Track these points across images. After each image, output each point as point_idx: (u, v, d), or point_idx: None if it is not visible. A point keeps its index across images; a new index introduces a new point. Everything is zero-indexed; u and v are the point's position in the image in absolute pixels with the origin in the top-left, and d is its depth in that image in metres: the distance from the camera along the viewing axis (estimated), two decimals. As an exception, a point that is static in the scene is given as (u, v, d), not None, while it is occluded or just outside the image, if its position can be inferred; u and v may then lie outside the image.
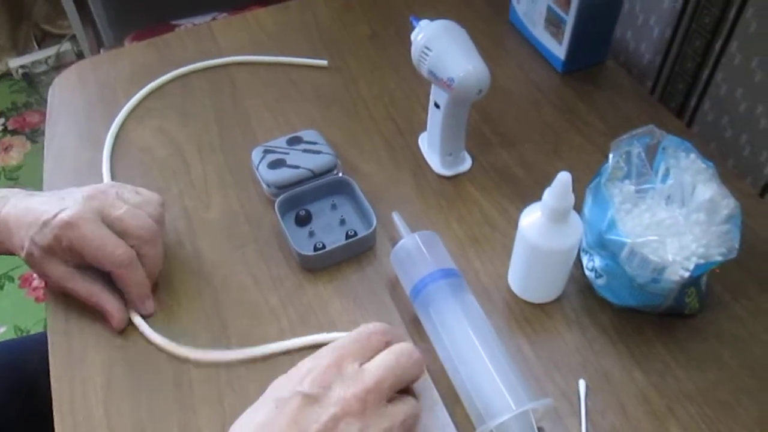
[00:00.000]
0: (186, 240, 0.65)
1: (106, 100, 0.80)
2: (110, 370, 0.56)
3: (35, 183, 1.81)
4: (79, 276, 0.58)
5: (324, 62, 0.79)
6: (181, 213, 0.67)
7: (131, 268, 0.57)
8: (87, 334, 0.58)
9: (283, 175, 0.65)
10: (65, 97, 0.81)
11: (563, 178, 0.50)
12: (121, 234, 0.56)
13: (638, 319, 0.57)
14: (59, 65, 2.14)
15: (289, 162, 0.66)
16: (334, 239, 0.62)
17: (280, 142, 0.69)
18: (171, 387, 0.55)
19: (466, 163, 0.70)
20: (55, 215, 0.55)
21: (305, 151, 0.68)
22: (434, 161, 0.70)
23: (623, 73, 0.81)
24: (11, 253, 0.59)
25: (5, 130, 1.98)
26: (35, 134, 1.96)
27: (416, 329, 0.57)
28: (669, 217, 0.54)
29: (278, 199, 0.63)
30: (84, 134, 0.76)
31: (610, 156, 0.56)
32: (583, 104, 0.76)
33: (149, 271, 0.58)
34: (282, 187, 0.65)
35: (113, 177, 0.71)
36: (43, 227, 0.55)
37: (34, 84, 2.10)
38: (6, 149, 1.93)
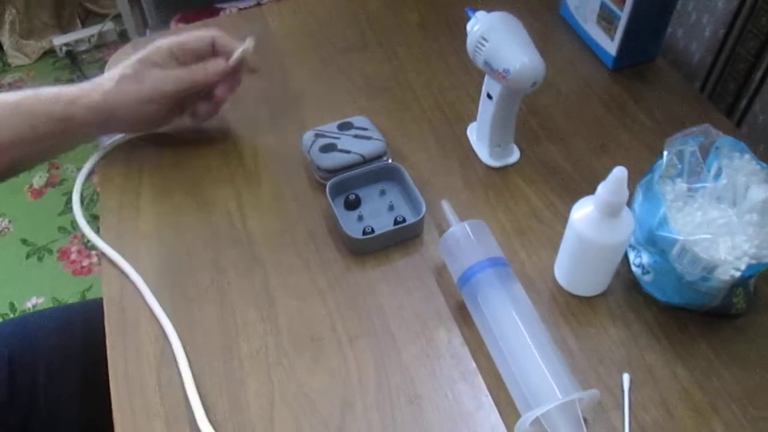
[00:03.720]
0: (236, 219, 0.66)
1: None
2: (163, 341, 0.58)
3: (75, 158, 1.86)
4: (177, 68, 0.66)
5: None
6: (232, 193, 0.68)
7: (224, 36, 0.67)
8: (140, 305, 0.60)
9: (334, 159, 0.66)
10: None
11: (619, 173, 0.50)
12: None
13: (683, 317, 0.58)
14: (101, 44, 2.17)
15: (340, 147, 0.67)
16: (383, 224, 0.63)
17: (331, 127, 0.70)
18: (220, 360, 0.56)
19: (515, 155, 0.70)
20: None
21: (356, 136, 0.69)
22: (483, 152, 0.70)
23: (673, 71, 0.80)
24: (93, 115, 0.64)
25: (47, 106, 2.02)
26: (76, 111, 2.00)
27: (462, 316, 0.58)
28: (721, 216, 0.54)
29: (329, 183, 0.65)
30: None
31: (665, 153, 0.56)
32: (632, 101, 0.76)
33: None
34: (332, 171, 0.66)
35: (162, 157, 0.73)
36: (133, 55, 0.65)
37: (76, 61, 2.13)
38: (48, 125, 1.96)
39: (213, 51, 0.68)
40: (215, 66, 0.66)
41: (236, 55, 0.67)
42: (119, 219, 0.67)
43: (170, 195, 0.69)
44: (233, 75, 0.69)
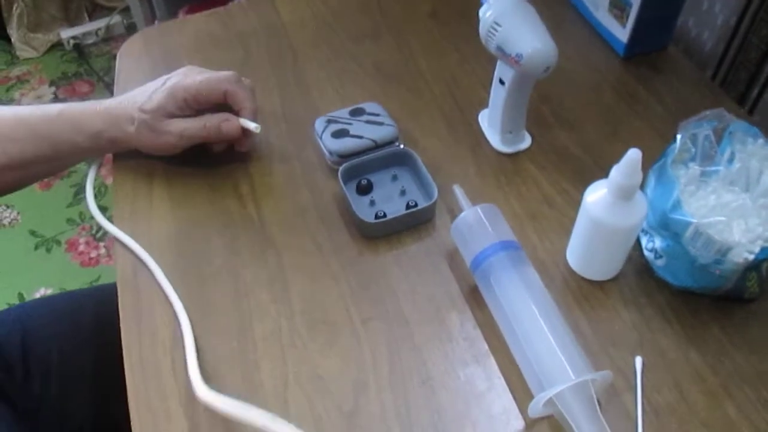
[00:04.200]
0: (249, 203, 0.67)
1: (171, 67, 0.81)
2: (176, 323, 0.58)
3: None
4: (192, 119, 0.66)
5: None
6: (245, 178, 0.69)
7: (240, 84, 0.67)
8: (153, 288, 0.60)
9: (346, 144, 0.67)
10: (132, 61, 0.84)
11: (633, 155, 0.50)
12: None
13: (695, 301, 0.58)
14: (109, 37, 2.18)
15: (352, 132, 0.68)
16: (395, 209, 0.63)
17: (343, 113, 0.70)
18: (234, 342, 0.57)
19: (526, 142, 0.70)
20: (162, 84, 0.66)
21: (368, 122, 0.69)
22: (494, 138, 0.70)
23: (685, 59, 0.80)
24: (116, 145, 0.67)
25: (56, 98, 2.03)
26: (84, 104, 2.01)
27: (475, 299, 0.58)
28: (735, 199, 0.54)
29: (341, 167, 0.65)
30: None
31: (678, 137, 0.56)
32: (643, 88, 0.76)
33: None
34: (344, 156, 0.66)
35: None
36: (152, 94, 0.65)
37: (84, 54, 2.14)
38: (56, 117, 1.97)
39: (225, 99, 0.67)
40: (229, 127, 0.66)
41: (248, 125, 0.66)
42: (132, 202, 0.67)
43: (183, 178, 0.69)
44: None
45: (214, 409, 0.49)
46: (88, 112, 0.66)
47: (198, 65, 0.69)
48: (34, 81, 2.08)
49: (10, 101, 2.02)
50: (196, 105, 0.65)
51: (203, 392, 0.50)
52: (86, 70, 2.10)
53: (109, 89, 2.01)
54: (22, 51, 2.15)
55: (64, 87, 2.06)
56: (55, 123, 0.65)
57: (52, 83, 2.07)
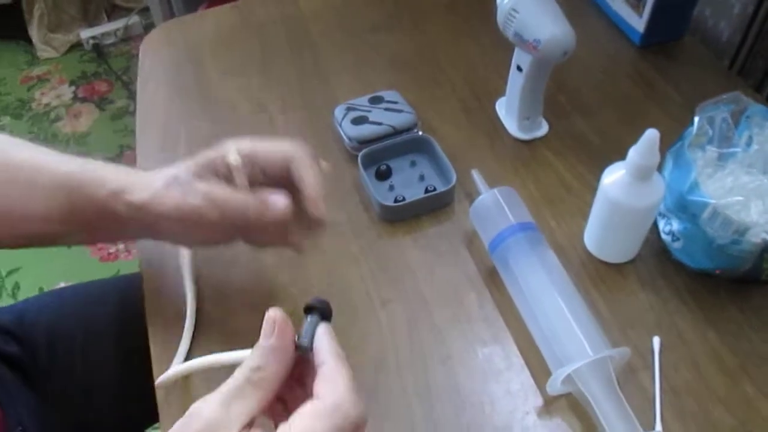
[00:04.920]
0: (270, 189, 0.68)
1: (193, 59, 0.83)
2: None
3: (103, 149, 1.90)
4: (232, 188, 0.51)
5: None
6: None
7: (312, 157, 0.52)
8: (177, 271, 0.61)
9: (365, 130, 0.68)
10: (155, 54, 0.85)
11: (651, 134, 0.51)
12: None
13: (713, 283, 0.58)
14: (127, 37, 2.21)
15: (371, 119, 0.69)
16: (414, 194, 0.64)
17: (362, 100, 0.71)
18: (255, 323, 0.57)
19: (543, 128, 0.71)
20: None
21: (387, 109, 0.70)
22: (511, 125, 0.71)
23: (701, 48, 0.81)
24: (134, 210, 0.52)
25: (75, 97, 2.06)
26: (103, 102, 2.04)
27: (493, 281, 0.59)
28: (752, 180, 0.55)
29: (361, 153, 0.66)
30: (173, 88, 0.80)
31: (695, 119, 0.56)
32: (660, 77, 0.77)
33: None
34: (364, 142, 0.67)
35: (200, 131, 0.74)
36: (194, 158, 0.53)
37: (102, 54, 2.17)
38: (75, 116, 2.00)
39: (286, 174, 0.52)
40: (276, 211, 0.50)
41: (318, 211, 0.51)
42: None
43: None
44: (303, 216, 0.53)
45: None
46: (117, 171, 0.54)
47: (219, 57, 0.68)
48: (54, 80, 2.11)
49: (30, 100, 2.05)
50: (249, 170, 0.52)
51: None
52: (105, 69, 2.13)
53: (127, 88, 2.04)
54: (43, 51, 2.18)
55: (84, 86, 2.09)
56: (77, 172, 0.53)
57: (71, 83, 2.10)
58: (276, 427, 0.37)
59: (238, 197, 0.50)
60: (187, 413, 0.37)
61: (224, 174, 0.51)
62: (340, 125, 0.69)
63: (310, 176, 0.51)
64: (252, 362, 0.39)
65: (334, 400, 0.37)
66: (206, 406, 0.37)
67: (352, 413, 0.37)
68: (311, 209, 0.50)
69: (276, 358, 0.39)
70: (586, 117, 0.73)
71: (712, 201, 0.53)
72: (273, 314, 0.40)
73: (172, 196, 0.50)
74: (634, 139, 0.54)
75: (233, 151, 0.51)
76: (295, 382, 0.41)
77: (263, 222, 0.50)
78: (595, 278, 0.59)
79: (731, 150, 0.57)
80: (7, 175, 0.54)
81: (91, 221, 0.53)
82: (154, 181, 0.52)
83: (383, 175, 0.67)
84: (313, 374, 0.39)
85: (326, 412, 0.37)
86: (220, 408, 0.37)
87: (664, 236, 0.60)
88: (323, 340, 0.41)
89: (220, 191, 0.50)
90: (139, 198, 0.51)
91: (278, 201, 0.50)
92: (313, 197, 0.51)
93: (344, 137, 0.69)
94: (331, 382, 0.38)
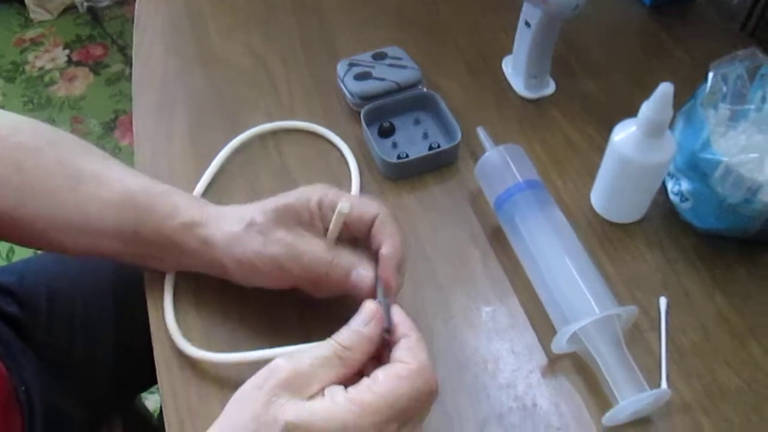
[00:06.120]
0: (271, 146, 0.66)
1: (191, 15, 0.81)
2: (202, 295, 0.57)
3: (98, 113, 1.87)
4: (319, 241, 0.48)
5: None
6: (266, 121, 0.68)
7: (395, 220, 0.49)
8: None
9: (368, 86, 0.66)
10: (151, 10, 0.83)
11: (665, 88, 0.50)
12: None
13: (722, 244, 0.57)
14: (122, 0, 2.17)
15: (374, 75, 0.67)
16: (417, 151, 0.63)
17: (366, 56, 0.69)
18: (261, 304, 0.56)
19: (550, 87, 0.69)
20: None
21: (390, 65, 0.68)
22: (518, 84, 0.69)
23: (712, 10, 0.79)
24: (204, 245, 0.50)
25: (70, 61, 2.02)
26: (98, 66, 2.00)
27: (497, 240, 0.58)
28: (766, 139, 0.53)
29: (364, 109, 0.64)
30: (170, 45, 0.78)
31: (710, 75, 0.55)
32: (669, 38, 0.75)
33: None
34: (367, 98, 0.66)
35: (199, 87, 0.72)
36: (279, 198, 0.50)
37: (97, 17, 2.13)
38: (70, 80, 1.97)
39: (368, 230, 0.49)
40: (357, 288, 0.47)
41: (389, 282, 0.47)
42: (153, 144, 0.67)
43: (205, 123, 0.68)
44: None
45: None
46: (190, 201, 0.52)
47: (219, 13, 0.66)
48: (48, 44, 2.08)
49: (24, 63, 2.01)
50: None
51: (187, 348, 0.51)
52: (100, 33, 2.09)
53: (123, 52, 2.01)
54: (36, 14, 2.14)
55: (78, 50, 2.05)
56: (149, 196, 0.52)
57: (66, 46, 2.06)
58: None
59: (321, 257, 0.47)
60: (270, 364, 0.39)
61: (306, 222, 0.49)
62: (343, 81, 0.67)
63: (389, 245, 0.48)
64: (344, 341, 0.41)
65: (418, 365, 0.40)
66: (293, 361, 0.39)
67: (431, 380, 0.40)
68: (384, 275, 0.47)
69: (366, 345, 0.42)
70: (595, 77, 0.71)
71: (725, 159, 0.51)
72: (373, 307, 0.43)
73: (252, 242, 0.48)
74: (642, 100, 0.52)
75: (345, 201, 0.47)
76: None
77: (341, 288, 0.48)
78: (602, 238, 0.58)
79: (745, 107, 0.55)
80: (68, 183, 0.52)
81: (155, 246, 0.51)
82: (230, 220, 0.50)
83: (386, 132, 0.65)
84: (387, 350, 0.42)
85: (411, 375, 0.39)
86: (308, 368, 0.39)
87: (672, 197, 0.58)
88: (404, 318, 0.44)
89: (304, 246, 0.48)
90: (214, 236, 0.49)
91: (363, 279, 0.47)
92: (389, 268, 0.47)
93: (347, 93, 0.67)
94: (416, 350, 0.41)
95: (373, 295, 0.46)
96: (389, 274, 0.47)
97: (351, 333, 0.41)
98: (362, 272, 0.47)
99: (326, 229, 0.48)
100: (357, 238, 0.49)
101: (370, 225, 0.48)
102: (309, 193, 0.49)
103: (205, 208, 0.52)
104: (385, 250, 0.47)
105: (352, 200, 0.48)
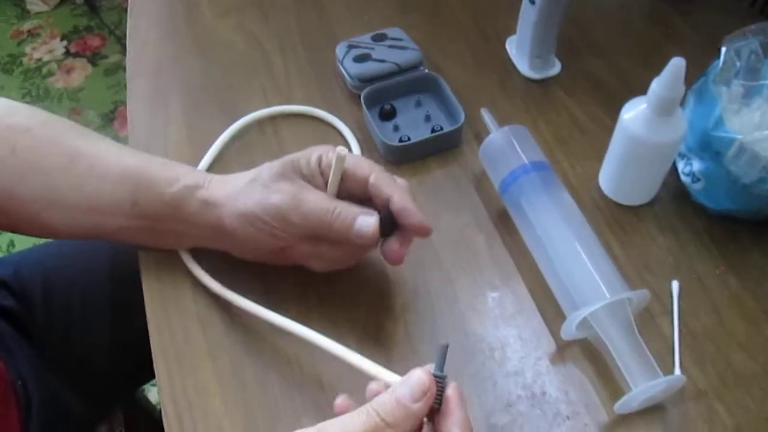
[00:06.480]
0: (269, 131, 0.64)
1: (186, -4, 0.79)
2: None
3: (96, 104, 1.85)
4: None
5: None
6: (263, 106, 0.66)
7: (392, 177, 0.49)
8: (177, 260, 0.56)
9: (368, 68, 0.64)
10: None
11: (676, 63, 0.48)
12: None
13: (734, 226, 0.55)
14: (120, -9, 2.15)
15: (374, 56, 0.65)
16: (420, 134, 0.61)
17: (365, 38, 0.68)
18: (259, 267, 0.55)
19: (556, 67, 0.67)
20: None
21: (391, 46, 0.66)
22: (522, 64, 0.67)
23: (721, -13, 0.77)
24: (201, 204, 0.50)
25: (67, 53, 2.00)
26: (96, 57, 1.98)
27: (503, 223, 0.56)
28: (781, 116, 0.51)
29: (364, 91, 0.62)
30: (165, 28, 0.76)
31: (722, 50, 0.53)
32: (677, 16, 0.73)
33: None
34: (367, 81, 0.64)
35: (195, 73, 0.71)
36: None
37: (95, 8, 2.11)
38: (68, 71, 1.95)
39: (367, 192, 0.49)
40: (362, 235, 0.46)
41: (418, 218, 0.46)
42: (148, 132, 0.65)
43: (202, 110, 0.67)
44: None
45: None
46: (190, 170, 0.52)
47: None
48: (46, 35, 2.06)
49: (21, 55, 1.99)
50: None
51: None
52: (97, 23, 2.07)
53: (120, 43, 1.99)
54: (33, 5, 2.12)
55: (76, 41, 2.03)
56: (144, 169, 0.51)
57: (63, 37, 2.04)
58: None
59: (324, 203, 0.47)
60: (314, 427, 0.36)
61: (307, 177, 0.48)
62: (342, 63, 0.66)
63: (395, 190, 0.47)
64: (387, 415, 0.36)
65: None
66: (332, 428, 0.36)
67: None
68: (412, 219, 0.46)
69: (412, 421, 0.37)
70: (601, 57, 0.69)
71: (739, 137, 0.50)
72: (427, 381, 0.37)
73: (254, 193, 0.48)
74: (649, 79, 0.50)
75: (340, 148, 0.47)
76: None
77: (343, 239, 0.47)
78: (611, 221, 0.57)
79: (759, 83, 0.53)
80: (62, 161, 0.51)
81: (156, 217, 0.50)
82: (232, 179, 0.50)
83: (388, 115, 0.63)
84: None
85: None
86: None
87: (683, 178, 0.57)
88: (458, 396, 0.39)
89: (306, 194, 0.47)
90: (216, 195, 0.49)
91: (367, 224, 0.46)
92: (410, 207, 0.46)
93: (346, 76, 0.65)
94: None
95: (375, 244, 0.46)
96: (413, 220, 0.46)
97: (396, 406, 0.36)
98: (367, 218, 0.46)
99: (327, 184, 0.48)
100: (355, 195, 0.49)
101: (366, 180, 0.48)
102: (310, 151, 0.49)
103: (208, 175, 0.51)
104: (397, 198, 0.46)
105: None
